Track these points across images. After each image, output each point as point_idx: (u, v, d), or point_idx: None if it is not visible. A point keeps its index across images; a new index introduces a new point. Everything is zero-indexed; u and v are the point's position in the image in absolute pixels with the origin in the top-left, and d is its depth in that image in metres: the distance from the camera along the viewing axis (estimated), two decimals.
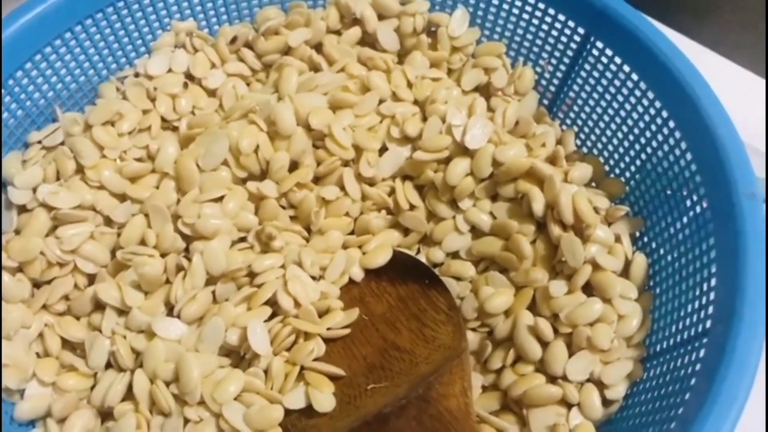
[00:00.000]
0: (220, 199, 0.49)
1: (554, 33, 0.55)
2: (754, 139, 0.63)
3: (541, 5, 0.54)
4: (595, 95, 0.54)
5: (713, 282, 0.41)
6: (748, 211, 0.40)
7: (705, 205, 0.44)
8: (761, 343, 0.35)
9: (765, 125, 0.63)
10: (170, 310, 0.46)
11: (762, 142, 0.63)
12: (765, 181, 0.57)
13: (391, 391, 0.43)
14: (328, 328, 0.46)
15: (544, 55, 0.56)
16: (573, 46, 0.54)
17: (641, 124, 0.50)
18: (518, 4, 0.56)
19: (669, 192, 0.47)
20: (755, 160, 0.60)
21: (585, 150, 0.56)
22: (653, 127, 0.49)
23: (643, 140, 0.50)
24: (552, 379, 0.45)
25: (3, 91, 0.49)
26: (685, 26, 0.69)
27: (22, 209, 0.49)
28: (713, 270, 0.41)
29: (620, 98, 0.51)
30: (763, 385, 0.49)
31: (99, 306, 0.47)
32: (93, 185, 0.50)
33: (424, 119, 0.53)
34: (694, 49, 0.69)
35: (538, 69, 0.57)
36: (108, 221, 0.49)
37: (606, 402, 0.44)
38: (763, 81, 0.68)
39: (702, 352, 0.39)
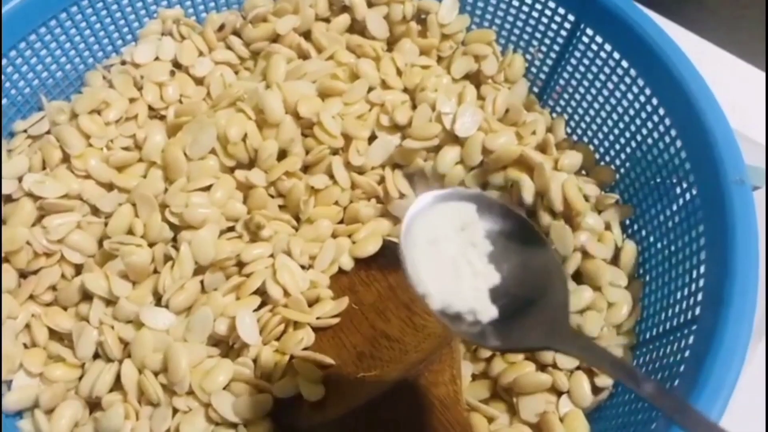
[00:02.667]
0: (208, 188, 0.48)
1: (544, 20, 0.54)
2: (753, 132, 0.63)
3: None
4: (585, 83, 0.53)
5: (702, 269, 0.41)
6: (737, 198, 0.40)
7: (694, 192, 0.44)
8: (750, 329, 0.35)
9: (765, 118, 0.63)
10: (158, 299, 0.46)
11: (761, 134, 0.63)
12: (765, 172, 0.58)
13: (380, 380, 0.43)
14: (318, 318, 0.46)
15: (534, 42, 0.56)
16: (563, 33, 0.54)
17: (631, 112, 0.50)
18: None
19: (659, 179, 0.47)
20: (755, 152, 0.61)
21: (575, 138, 0.56)
22: (643, 115, 0.49)
23: (633, 128, 0.50)
24: (542, 367, 0.45)
25: None
26: (687, 19, 0.69)
27: (8, 199, 0.48)
28: (702, 257, 0.41)
29: (610, 86, 0.51)
30: (763, 384, 0.49)
31: (86, 296, 0.47)
32: (79, 174, 0.49)
33: (414, 107, 0.52)
34: (694, 42, 0.69)
35: (528, 56, 0.57)
36: (95, 211, 0.49)
37: (595, 389, 0.44)
38: (763, 74, 0.68)
39: (691, 339, 0.39)
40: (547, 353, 0.45)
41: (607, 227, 0.48)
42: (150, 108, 0.54)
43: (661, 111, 0.47)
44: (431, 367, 0.42)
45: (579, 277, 0.47)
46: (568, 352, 0.31)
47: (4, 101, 0.51)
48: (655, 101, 0.47)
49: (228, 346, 0.45)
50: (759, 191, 0.57)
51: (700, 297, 0.40)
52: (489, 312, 0.32)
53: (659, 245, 0.46)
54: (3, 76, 0.50)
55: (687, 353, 0.39)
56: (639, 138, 0.49)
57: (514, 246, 0.34)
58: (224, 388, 0.43)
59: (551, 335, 0.31)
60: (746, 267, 0.37)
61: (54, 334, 0.47)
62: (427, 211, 0.34)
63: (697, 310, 0.40)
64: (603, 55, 0.51)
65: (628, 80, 0.49)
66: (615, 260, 0.48)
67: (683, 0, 0.79)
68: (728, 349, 0.35)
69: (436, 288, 0.32)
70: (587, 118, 0.54)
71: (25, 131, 0.51)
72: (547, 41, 0.55)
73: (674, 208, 0.46)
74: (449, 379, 0.42)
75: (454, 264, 0.32)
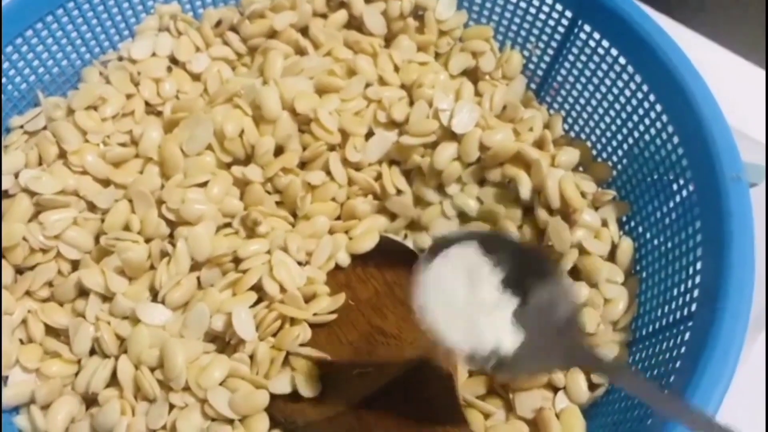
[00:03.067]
0: (205, 184, 0.48)
1: (542, 16, 0.54)
2: (753, 130, 0.63)
3: None
4: (583, 79, 0.53)
5: (699, 265, 0.41)
6: (734, 195, 0.40)
7: (691, 188, 0.44)
8: (745, 326, 0.35)
9: (764, 115, 0.63)
10: (155, 296, 0.46)
11: (761, 133, 0.63)
12: (765, 170, 0.57)
13: (377, 376, 0.43)
14: (314, 314, 0.46)
15: (532, 38, 0.56)
16: (560, 29, 0.54)
17: (629, 108, 0.50)
18: None
19: (656, 176, 0.47)
20: (755, 151, 0.61)
21: (572, 134, 0.56)
22: (641, 111, 0.49)
23: (630, 124, 0.50)
24: None
25: None
26: (685, 16, 0.69)
27: (4, 195, 0.48)
28: (699, 253, 0.41)
29: (608, 82, 0.51)
30: (763, 384, 0.49)
31: (83, 292, 0.47)
32: (76, 170, 0.49)
33: (411, 103, 0.52)
34: (694, 40, 0.69)
35: (526, 53, 0.57)
36: (91, 207, 0.49)
37: (592, 386, 0.44)
38: (763, 71, 0.68)
39: (687, 335, 0.39)
40: None
41: (604, 224, 0.48)
42: (147, 104, 0.54)
43: (659, 107, 0.47)
44: (428, 364, 0.42)
45: (576, 273, 0.47)
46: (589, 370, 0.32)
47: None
48: (652, 98, 0.47)
49: (224, 342, 0.45)
50: (758, 188, 0.57)
51: (696, 293, 0.40)
52: (515, 338, 0.33)
53: (656, 242, 0.46)
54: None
55: (683, 349, 0.39)
56: (636, 134, 0.49)
57: (524, 273, 0.35)
58: (220, 384, 0.43)
59: (570, 356, 0.33)
60: (742, 263, 0.37)
61: (50, 330, 0.47)
62: (433, 266, 0.35)
63: (693, 307, 0.40)
64: (600, 51, 0.51)
65: (625, 77, 0.49)
66: (611, 257, 0.48)
67: (684, 1, 0.79)
68: (724, 345, 0.35)
69: (458, 338, 0.33)
70: (585, 115, 0.54)
71: (21, 127, 0.51)
72: (544, 38, 0.55)
73: (671, 204, 0.46)
74: (446, 375, 0.42)
75: (466, 310, 0.34)
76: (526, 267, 0.35)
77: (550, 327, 0.34)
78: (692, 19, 0.70)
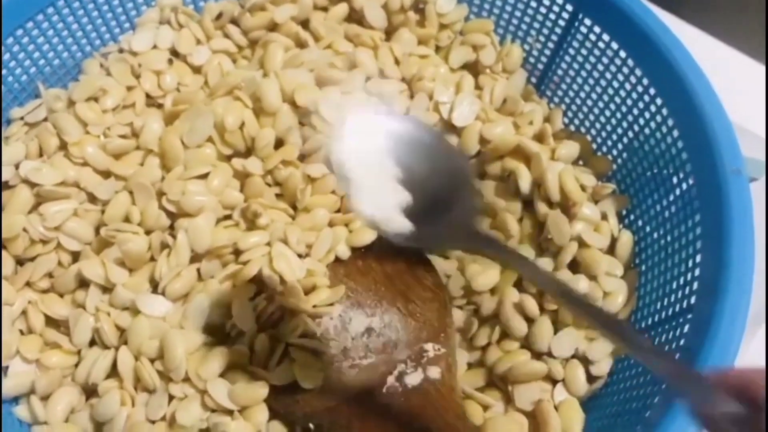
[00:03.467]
0: (205, 176, 0.48)
1: (542, 10, 0.54)
2: (753, 125, 0.63)
3: None
4: (583, 73, 0.53)
5: (698, 258, 0.41)
6: (734, 188, 0.40)
7: (691, 182, 0.44)
8: (745, 319, 0.36)
9: (764, 110, 0.63)
10: (155, 287, 0.46)
11: (762, 128, 0.63)
12: (766, 165, 0.58)
13: (376, 368, 0.43)
14: (314, 306, 0.46)
15: (533, 32, 0.56)
16: (561, 23, 0.54)
17: (629, 102, 0.50)
18: None
19: (656, 169, 0.47)
20: (755, 146, 0.61)
21: (572, 128, 0.56)
22: (641, 105, 0.49)
23: (630, 118, 0.50)
24: (537, 356, 0.45)
25: None
26: (686, 11, 0.69)
27: (5, 186, 0.48)
28: (698, 247, 0.41)
29: (608, 76, 0.51)
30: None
31: (83, 283, 0.47)
32: (76, 162, 0.49)
33: (412, 97, 0.52)
34: (694, 34, 0.69)
35: (527, 46, 0.57)
36: (92, 198, 0.49)
37: (590, 378, 0.44)
38: (763, 66, 0.68)
39: (686, 328, 0.39)
40: (541, 340, 0.44)
41: (604, 217, 0.48)
42: (147, 96, 0.54)
43: (659, 101, 0.47)
44: (426, 355, 0.42)
45: (575, 266, 0.47)
46: (479, 251, 0.34)
47: (1, 88, 0.51)
48: (652, 91, 0.47)
49: (224, 333, 0.45)
50: (758, 183, 0.57)
51: (695, 286, 0.40)
52: (404, 225, 0.34)
53: (655, 235, 0.47)
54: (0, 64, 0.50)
55: (682, 342, 0.39)
56: (636, 128, 0.49)
57: (425, 158, 0.35)
58: (220, 375, 0.43)
59: (462, 236, 0.34)
60: (742, 258, 0.37)
61: (50, 321, 0.47)
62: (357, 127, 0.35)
63: (693, 300, 0.40)
64: (601, 45, 0.51)
65: (626, 70, 0.49)
66: (611, 250, 0.48)
67: None
68: (723, 339, 0.35)
69: (365, 198, 0.34)
70: (585, 108, 0.54)
71: (22, 118, 0.51)
72: (545, 31, 0.55)
73: (671, 198, 0.46)
74: (444, 368, 0.42)
75: (377, 178, 0.35)
76: (428, 151, 0.36)
77: (447, 211, 0.35)
78: (690, 12, 0.70)
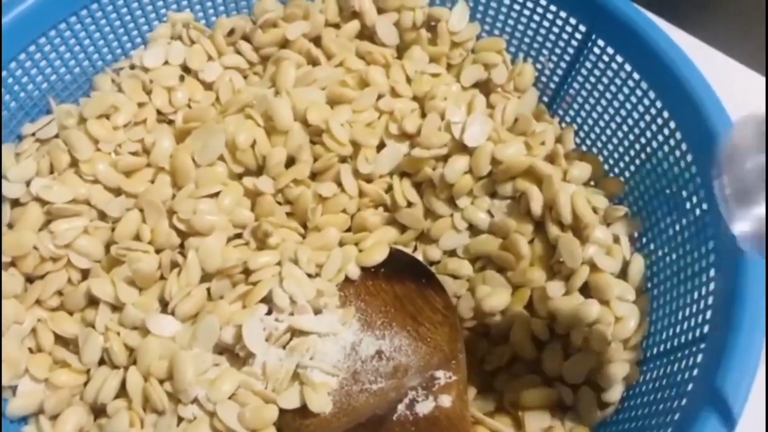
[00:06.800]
0: (216, 194, 0.48)
1: (555, 30, 0.54)
2: None
3: (543, 1, 0.54)
4: (596, 93, 0.53)
5: (712, 286, 0.41)
6: None
7: (705, 207, 0.43)
8: (760, 351, 0.35)
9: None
10: (164, 306, 0.46)
11: None
12: None
13: (386, 392, 0.43)
14: (324, 326, 0.45)
15: (545, 51, 0.56)
16: (574, 43, 0.53)
17: (642, 124, 0.49)
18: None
19: (668, 192, 0.47)
20: None
21: (584, 148, 0.55)
22: (654, 127, 0.48)
23: (643, 140, 0.50)
24: (548, 381, 0.45)
25: None
26: (687, 22, 0.68)
27: (15, 203, 0.48)
28: (712, 274, 0.41)
29: (621, 97, 0.51)
30: (763, 385, 0.48)
31: (93, 301, 0.47)
32: (87, 179, 0.49)
33: (423, 115, 0.52)
34: (707, 53, 0.68)
35: (539, 66, 0.57)
36: (102, 216, 0.49)
37: (602, 405, 0.44)
38: (764, 79, 0.68)
39: (699, 357, 0.39)
40: (552, 365, 0.44)
41: (616, 240, 0.48)
42: (159, 113, 0.54)
43: (672, 124, 0.46)
44: (438, 383, 0.42)
45: (586, 290, 0.47)
46: None
47: (13, 104, 0.51)
48: (666, 114, 0.47)
49: (234, 354, 0.45)
50: None
51: (709, 315, 0.40)
52: None
53: (668, 259, 0.46)
54: (12, 79, 0.50)
55: (695, 371, 0.38)
56: (649, 150, 0.49)
57: None
58: (230, 398, 0.43)
59: None
60: (757, 286, 0.37)
61: (59, 340, 0.47)
62: None
63: (706, 328, 0.40)
64: (614, 66, 0.51)
65: (639, 92, 0.49)
66: (623, 274, 0.48)
67: (697, 9, 0.79)
68: (738, 370, 0.35)
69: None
70: (597, 129, 0.54)
71: (33, 134, 0.51)
72: (557, 51, 0.55)
73: (684, 222, 0.45)
74: (456, 395, 0.42)
75: None
76: None
77: None
78: (703, 30, 0.69)
